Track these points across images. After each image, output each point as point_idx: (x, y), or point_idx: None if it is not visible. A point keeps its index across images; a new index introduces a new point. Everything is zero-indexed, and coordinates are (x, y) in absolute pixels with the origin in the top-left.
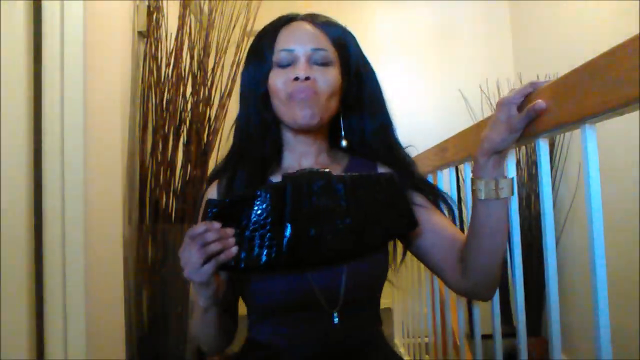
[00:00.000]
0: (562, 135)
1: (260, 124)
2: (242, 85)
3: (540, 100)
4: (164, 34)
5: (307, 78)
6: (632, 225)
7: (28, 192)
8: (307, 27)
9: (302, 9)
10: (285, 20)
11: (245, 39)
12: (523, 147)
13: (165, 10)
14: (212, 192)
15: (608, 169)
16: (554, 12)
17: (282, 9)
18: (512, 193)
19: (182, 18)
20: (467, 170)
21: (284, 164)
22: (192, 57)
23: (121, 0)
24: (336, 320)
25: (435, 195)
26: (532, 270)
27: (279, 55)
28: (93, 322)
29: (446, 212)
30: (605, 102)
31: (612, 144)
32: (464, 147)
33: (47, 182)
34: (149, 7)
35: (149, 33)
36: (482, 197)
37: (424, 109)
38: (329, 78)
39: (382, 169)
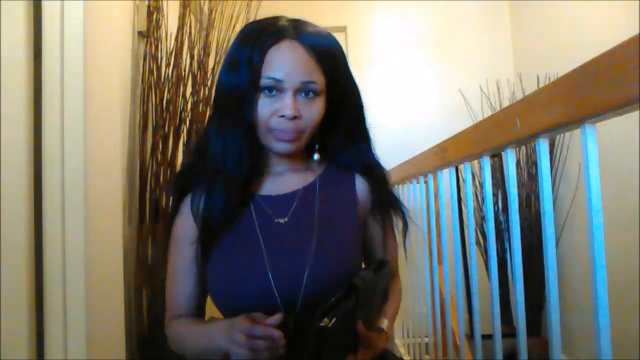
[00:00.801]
0: (562, 135)
1: (239, 138)
2: (220, 91)
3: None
4: (164, 34)
5: (294, 117)
6: (632, 225)
7: (28, 192)
8: (298, 51)
9: (303, 9)
10: (274, 38)
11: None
12: (523, 147)
13: (165, 10)
14: (195, 201)
15: (608, 169)
16: (554, 12)
17: (282, 9)
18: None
19: (182, 18)
20: (467, 170)
21: (263, 180)
22: (192, 57)
23: (121, 0)
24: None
25: (394, 213)
26: (532, 270)
27: (265, 80)
28: (93, 322)
29: (399, 227)
30: (605, 102)
31: (612, 144)
32: (464, 147)
33: (47, 182)
34: (149, 7)
35: (149, 33)
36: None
37: (424, 109)
38: (314, 112)
39: (358, 179)
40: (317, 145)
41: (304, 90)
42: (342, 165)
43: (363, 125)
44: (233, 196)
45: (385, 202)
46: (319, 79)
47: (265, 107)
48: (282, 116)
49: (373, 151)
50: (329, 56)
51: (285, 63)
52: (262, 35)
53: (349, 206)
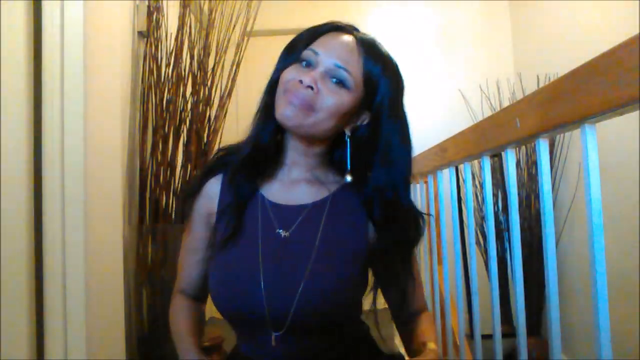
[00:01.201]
0: (562, 135)
1: (267, 121)
2: (271, 77)
3: None
4: (164, 34)
5: (310, 87)
6: (632, 225)
7: (28, 192)
8: (348, 41)
9: (303, 9)
10: (333, 28)
11: (245, 39)
12: (523, 147)
13: (165, 10)
14: (215, 185)
15: (608, 169)
16: (554, 12)
17: (282, 9)
18: None
19: (182, 18)
20: (467, 170)
21: (275, 186)
22: (192, 57)
23: (121, 0)
24: (278, 341)
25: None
26: (532, 270)
27: (305, 52)
28: (93, 322)
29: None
30: (605, 102)
31: (612, 144)
32: (464, 147)
33: (47, 182)
34: (149, 7)
35: (149, 33)
36: None
37: (424, 109)
38: (333, 98)
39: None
40: (348, 165)
41: (335, 75)
42: (362, 188)
43: (400, 163)
44: (240, 177)
45: (397, 243)
46: (355, 73)
47: (292, 72)
48: (300, 82)
49: (402, 194)
50: (377, 57)
51: (330, 43)
52: (321, 28)
53: (358, 231)
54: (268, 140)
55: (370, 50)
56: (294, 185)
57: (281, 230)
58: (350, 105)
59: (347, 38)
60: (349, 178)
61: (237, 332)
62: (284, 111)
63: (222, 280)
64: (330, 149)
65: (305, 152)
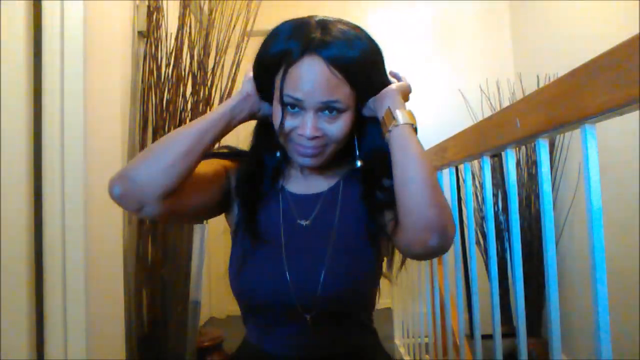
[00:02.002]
0: (562, 135)
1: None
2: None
3: None
4: (164, 34)
5: (314, 137)
6: (632, 224)
7: (28, 192)
8: (319, 69)
9: (303, 9)
10: (297, 54)
11: (245, 39)
12: (523, 147)
13: (165, 10)
14: (234, 168)
15: (608, 169)
16: (554, 12)
17: (282, 9)
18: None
19: (182, 18)
20: (467, 170)
21: (292, 176)
22: (192, 57)
23: (121, 0)
24: (310, 324)
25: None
26: (532, 270)
27: (286, 98)
28: (93, 322)
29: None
30: (605, 102)
31: (612, 144)
32: (464, 147)
33: (47, 182)
34: (149, 7)
35: (149, 33)
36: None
37: (424, 109)
38: (338, 129)
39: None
40: (357, 152)
41: (326, 109)
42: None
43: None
44: (267, 188)
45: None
46: (343, 96)
47: (287, 121)
48: (302, 135)
49: None
50: (355, 68)
51: (305, 82)
52: (284, 57)
53: (367, 214)
54: (275, 161)
55: (341, 61)
56: (309, 175)
57: (302, 221)
58: (352, 120)
59: (315, 65)
60: (359, 163)
61: (261, 323)
62: (303, 162)
63: (246, 274)
64: None
65: (313, 167)
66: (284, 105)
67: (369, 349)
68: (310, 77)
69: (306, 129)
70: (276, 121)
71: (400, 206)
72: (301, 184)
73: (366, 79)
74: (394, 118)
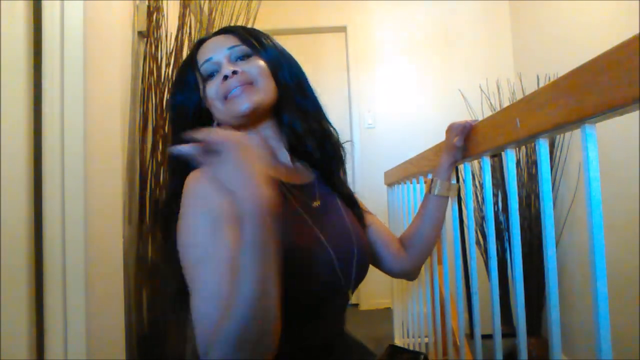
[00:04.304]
0: (562, 135)
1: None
2: (174, 114)
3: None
4: (164, 34)
5: (234, 72)
6: (632, 225)
7: (28, 192)
8: (218, 37)
9: (303, 9)
10: (199, 43)
11: None
12: (523, 147)
13: (165, 10)
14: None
15: (608, 169)
16: (554, 12)
17: (282, 9)
18: (455, 195)
19: (182, 18)
20: (467, 170)
21: (283, 171)
22: None
23: (121, 0)
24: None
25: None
26: (532, 270)
27: (202, 69)
28: (93, 322)
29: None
30: (605, 102)
31: (612, 144)
32: (464, 147)
33: (47, 182)
34: (149, 7)
35: (149, 33)
36: (436, 193)
37: (424, 109)
38: (255, 65)
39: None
40: (309, 146)
41: (236, 55)
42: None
43: (311, 93)
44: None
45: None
46: (244, 45)
47: (211, 86)
48: (225, 77)
49: (326, 121)
50: (248, 33)
51: (209, 47)
52: (191, 52)
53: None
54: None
55: (233, 28)
56: (294, 169)
57: (313, 202)
58: (264, 64)
59: (214, 37)
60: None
61: (304, 315)
62: (241, 108)
63: (292, 256)
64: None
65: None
66: (204, 78)
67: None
68: (213, 42)
69: (224, 69)
70: (210, 95)
71: (417, 245)
72: (293, 176)
73: (259, 42)
74: (450, 189)
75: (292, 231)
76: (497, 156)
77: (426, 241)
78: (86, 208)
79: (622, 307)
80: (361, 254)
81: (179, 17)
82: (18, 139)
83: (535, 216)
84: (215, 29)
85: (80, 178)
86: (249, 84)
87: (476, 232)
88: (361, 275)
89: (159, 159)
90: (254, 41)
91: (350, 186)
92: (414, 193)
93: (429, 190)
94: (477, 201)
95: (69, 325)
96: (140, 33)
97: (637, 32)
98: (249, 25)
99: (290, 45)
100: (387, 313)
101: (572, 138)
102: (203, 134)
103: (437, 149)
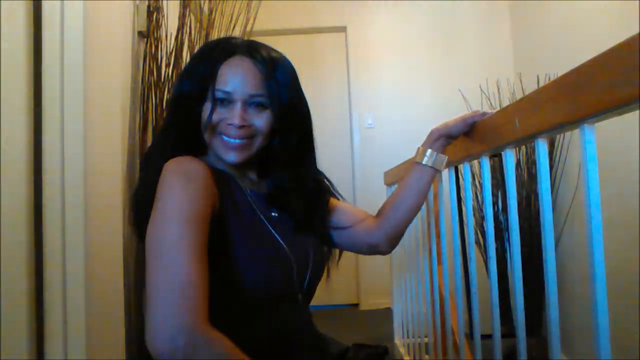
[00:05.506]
0: (562, 135)
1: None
2: (176, 97)
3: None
4: (164, 34)
5: (242, 126)
6: (632, 225)
7: (28, 192)
8: (247, 65)
9: (303, 9)
10: (227, 54)
11: (246, 38)
12: (523, 147)
13: (165, 10)
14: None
15: (608, 169)
16: (554, 12)
17: (282, 9)
18: (442, 169)
19: (182, 18)
20: (466, 170)
21: (246, 180)
22: None
23: (121, 0)
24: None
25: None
26: (532, 270)
27: (217, 93)
28: (93, 322)
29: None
30: (605, 102)
31: (612, 144)
32: (464, 147)
33: (47, 182)
34: (149, 7)
35: (149, 33)
36: (423, 162)
37: (424, 109)
38: (263, 122)
39: None
40: (290, 202)
41: (253, 102)
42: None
43: (309, 149)
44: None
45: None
46: (268, 93)
47: (215, 114)
48: (231, 124)
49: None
50: (276, 75)
51: (235, 77)
52: (215, 51)
53: None
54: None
55: (264, 59)
56: (254, 180)
57: (272, 213)
58: (272, 121)
59: (244, 61)
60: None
61: (260, 315)
62: (228, 157)
63: (256, 261)
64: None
65: (238, 162)
66: (214, 100)
67: (322, 335)
68: (239, 71)
69: (235, 118)
70: (205, 116)
71: (393, 215)
72: (255, 185)
73: (280, 91)
74: (439, 160)
75: (255, 233)
76: (496, 156)
77: (403, 213)
78: (86, 208)
79: (622, 307)
80: (315, 265)
81: (179, 17)
82: (18, 139)
83: (535, 216)
84: (215, 29)
85: (80, 178)
86: (250, 137)
87: (476, 232)
88: (313, 284)
89: None
90: (277, 85)
91: (350, 186)
92: None
93: (416, 159)
94: (477, 201)
95: (69, 325)
96: (140, 33)
97: (637, 32)
98: (249, 26)
99: (290, 45)
100: (387, 313)
101: (572, 138)
102: None
103: None
